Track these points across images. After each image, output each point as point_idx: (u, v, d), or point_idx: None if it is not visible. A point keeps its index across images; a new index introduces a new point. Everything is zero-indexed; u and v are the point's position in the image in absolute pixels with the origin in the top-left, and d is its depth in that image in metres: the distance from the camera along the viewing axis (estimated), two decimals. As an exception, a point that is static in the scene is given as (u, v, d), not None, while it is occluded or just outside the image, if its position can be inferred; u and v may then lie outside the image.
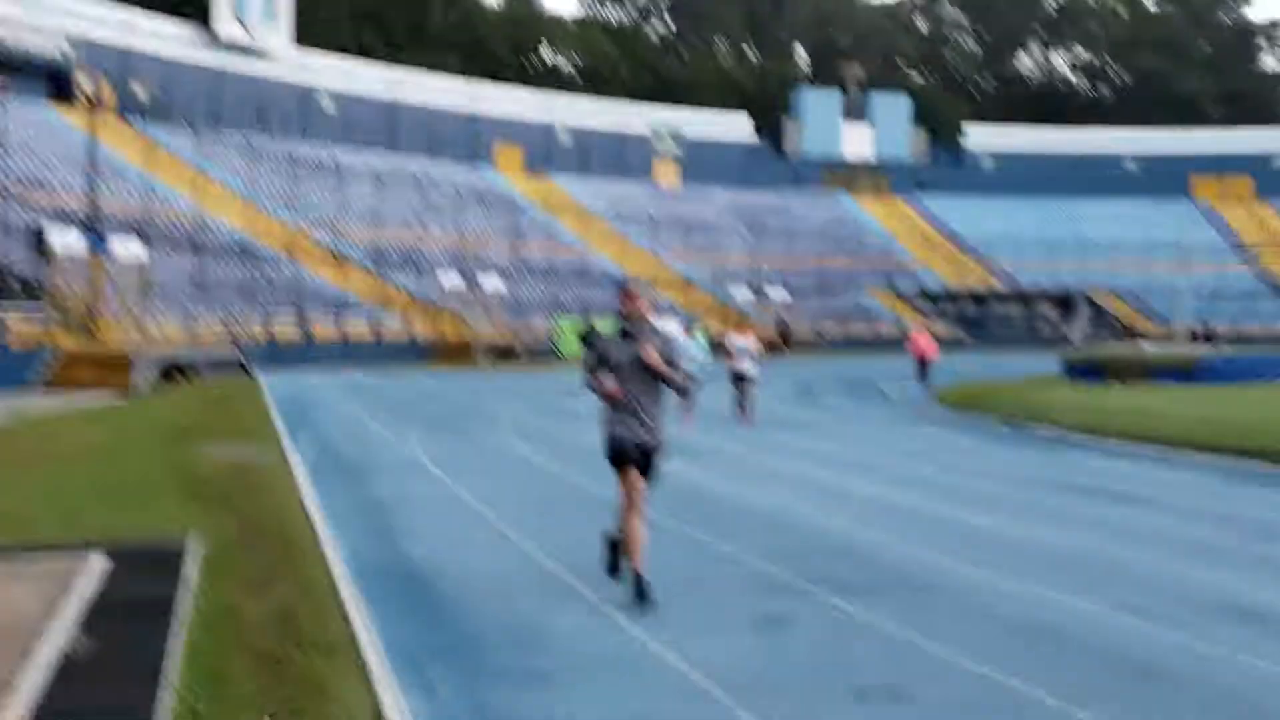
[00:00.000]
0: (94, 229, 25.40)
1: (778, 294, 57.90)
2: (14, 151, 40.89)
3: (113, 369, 22.04)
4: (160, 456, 11.38)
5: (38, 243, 22.38)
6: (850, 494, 10.13)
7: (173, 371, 25.25)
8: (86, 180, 26.61)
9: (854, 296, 65.08)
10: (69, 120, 45.75)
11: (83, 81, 50.42)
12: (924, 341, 26.40)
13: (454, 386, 25.49)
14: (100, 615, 5.54)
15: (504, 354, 41.10)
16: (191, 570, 6.43)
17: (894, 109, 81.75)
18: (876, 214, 77.34)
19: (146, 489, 9.30)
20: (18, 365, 21.34)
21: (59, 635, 5.24)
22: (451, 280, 42.04)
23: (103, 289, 24.96)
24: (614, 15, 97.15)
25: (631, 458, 6.12)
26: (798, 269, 64.72)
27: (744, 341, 16.97)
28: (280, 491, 9.42)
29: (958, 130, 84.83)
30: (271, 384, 24.60)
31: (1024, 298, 69.39)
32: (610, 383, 6.03)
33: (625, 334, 6.12)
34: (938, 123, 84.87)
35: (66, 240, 23.49)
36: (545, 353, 43.03)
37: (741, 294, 56.74)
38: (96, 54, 50.72)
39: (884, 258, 71.22)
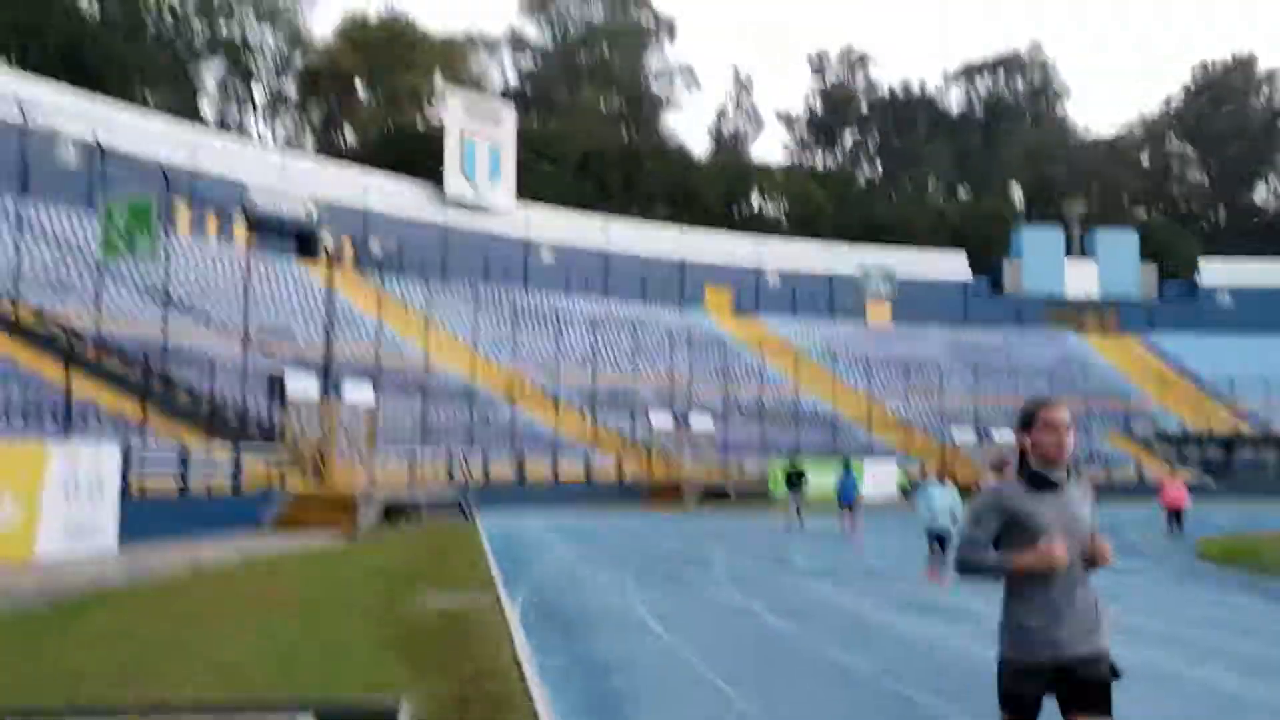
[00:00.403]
0: (328, 375, 26.55)
1: (1003, 435, 54.95)
2: (260, 303, 43.92)
3: (339, 510, 22.55)
4: (376, 606, 11.10)
5: (276, 388, 23.45)
6: (1161, 673, 8.72)
7: (394, 512, 25.70)
8: (324, 329, 28.00)
9: (1086, 440, 61.15)
10: (311, 275, 49.10)
11: (325, 239, 54.40)
12: (1175, 490, 24.43)
13: (666, 529, 24.83)
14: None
15: (714, 495, 40.28)
16: (401, 742, 5.85)
17: (1120, 245, 78.23)
18: (1105, 353, 73.33)
19: (361, 642, 8.93)
20: (251, 506, 22.11)
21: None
22: (661, 421, 41.89)
23: (333, 432, 25.86)
24: (821, 161, 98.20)
25: (1069, 682, 3.86)
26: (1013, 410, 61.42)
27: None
28: (495, 647, 8.85)
29: (1191, 264, 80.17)
30: (487, 525, 24.60)
31: (1276, 441, 63.49)
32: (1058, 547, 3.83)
33: (1042, 482, 3.98)
34: (1168, 257, 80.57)
35: (302, 385, 24.56)
36: (756, 494, 41.95)
37: (965, 435, 54.20)
38: (338, 214, 54.61)
39: (1116, 399, 67.00)
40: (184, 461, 20.21)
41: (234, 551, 17.60)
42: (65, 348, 19.63)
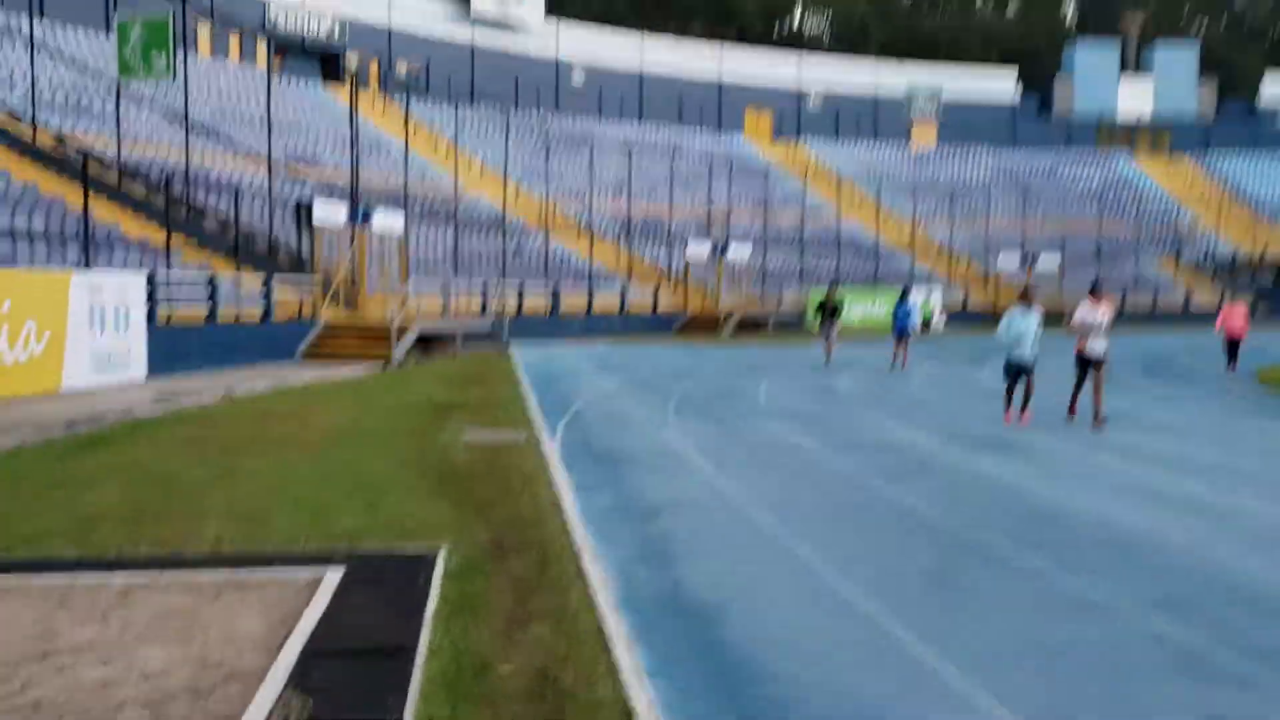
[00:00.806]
0: (356, 201, 25.68)
1: (1050, 262, 53.59)
2: (285, 128, 42.72)
3: (372, 340, 22.09)
4: (410, 442, 10.59)
5: (303, 215, 22.66)
6: (1229, 509, 8.06)
7: (429, 342, 25.26)
8: (351, 154, 27.00)
9: (1135, 266, 59.60)
10: (337, 98, 47.63)
11: (350, 61, 52.65)
12: (1236, 317, 23.31)
13: (703, 360, 24.23)
14: (325, 659, 4.46)
15: (751, 326, 39.67)
16: (434, 598, 5.32)
17: (1179, 61, 74.39)
18: (1158, 176, 70.75)
19: (394, 481, 8.41)
20: (283, 336, 21.68)
21: (276, 684, 4.20)
22: (698, 250, 40.92)
23: (364, 260, 25.19)
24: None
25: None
26: (1071, 236, 59.82)
27: (1095, 313, 12.84)
28: (535, 486, 8.31)
29: (1254, 82, 76.31)
30: (522, 356, 24.14)
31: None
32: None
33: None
34: (1229, 74, 76.71)
35: (330, 212, 23.73)
36: (794, 325, 41.30)
37: (1010, 262, 52.85)
38: (362, 34, 52.64)
39: (1168, 224, 64.95)
40: (212, 289, 19.66)
41: (265, 381, 17.21)
42: (84, 172, 18.81)
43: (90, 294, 15.95)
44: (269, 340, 21.35)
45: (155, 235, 23.76)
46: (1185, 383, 20.64)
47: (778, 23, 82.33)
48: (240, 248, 24.40)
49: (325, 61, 52.47)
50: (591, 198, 44.39)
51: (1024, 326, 12.83)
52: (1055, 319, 20.44)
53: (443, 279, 30.10)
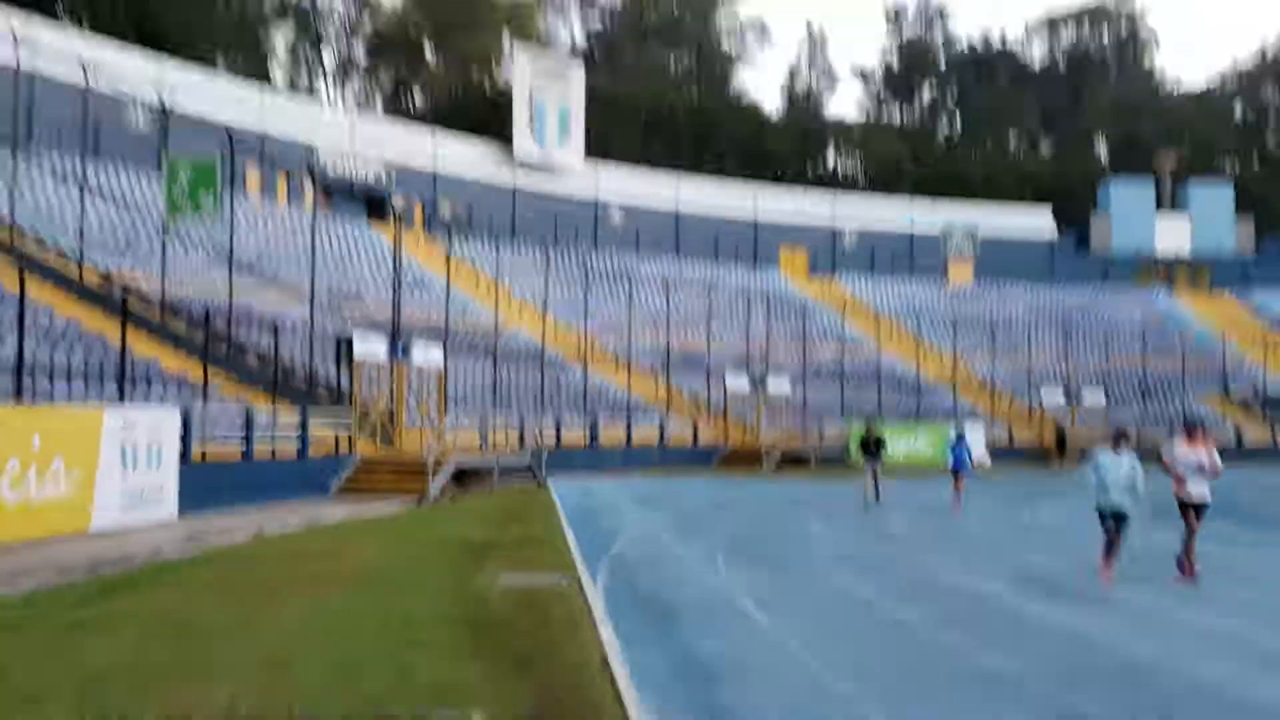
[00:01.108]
0: (396, 336, 25.62)
1: (1094, 398, 52.67)
2: (329, 266, 43.32)
3: (407, 475, 21.65)
4: (445, 585, 10.00)
5: (343, 350, 22.53)
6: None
7: (466, 476, 24.79)
8: (392, 291, 27.09)
9: (1182, 402, 58.47)
10: (381, 237, 48.42)
11: (395, 201, 53.74)
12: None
13: (746, 495, 23.51)
14: None
15: (793, 461, 38.89)
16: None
17: (1214, 199, 74.56)
18: (1199, 311, 70.05)
19: (427, 629, 7.81)
20: (318, 471, 21.29)
21: None
22: (738, 383, 40.50)
23: (402, 394, 24.96)
24: (898, 116, 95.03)
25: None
26: (1114, 371, 58.96)
27: (1195, 455, 11.56)
28: (579, 639, 7.67)
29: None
30: (560, 491, 23.55)
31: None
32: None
33: None
34: (1265, 211, 76.66)
35: (370, 347, 23.62)
36: (836, 460, 40.42)
37: (1054, 398, 51.96)
38: (407, 177, 53.85)
39: (1212, 359, 63.91)
40: (248, 425, 19.37)
41: (298, 519, 16.72)
42: (124, 306, 18.83)
43: (123, 430, 15.67)
44: (304, 476, 20.95)
45: (194, 370, 23.70)
46: (1272, 527, 19.66)
47: (810, 163, 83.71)
48: (279, 383, 24.25)
49: (370, 203, 53.60)
50: (630, 331, 44.35)
51: (1115, 472, 11.33)
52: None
53: (481, 412, 29.80)
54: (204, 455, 18.44)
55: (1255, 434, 55.94)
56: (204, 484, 17.91)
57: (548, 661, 6.94)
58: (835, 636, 8.32)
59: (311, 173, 48.91)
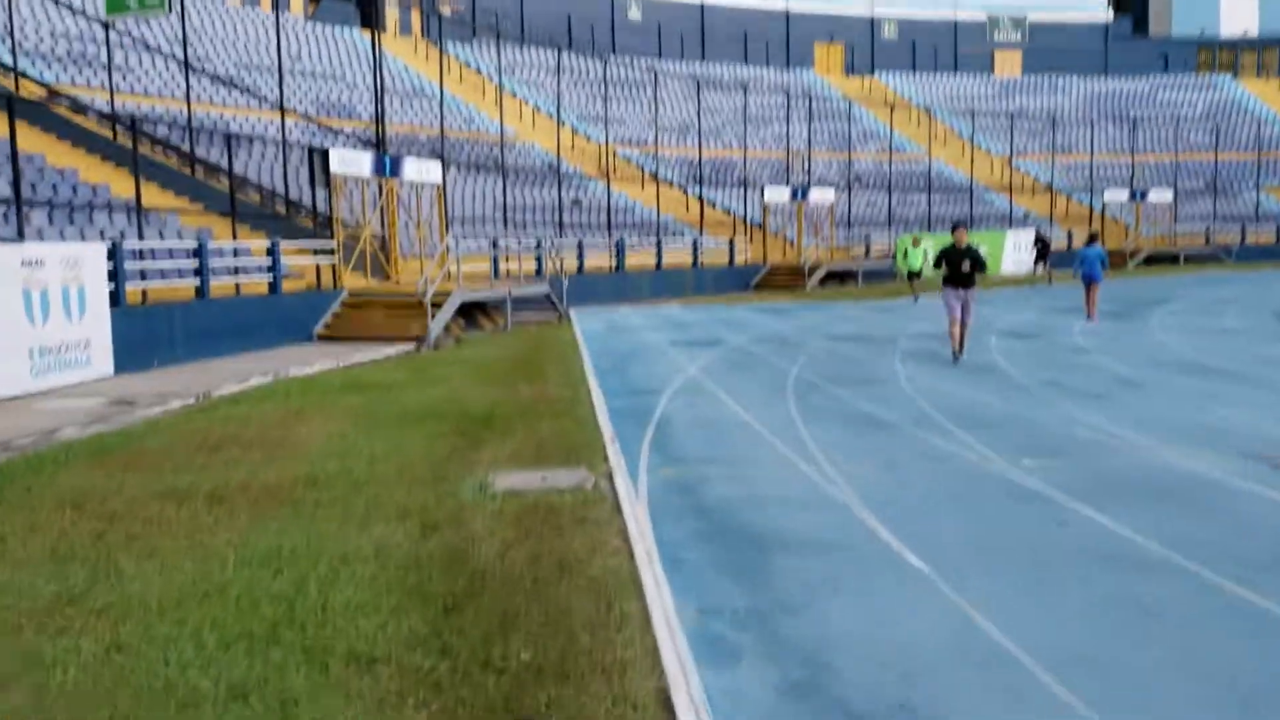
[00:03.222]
0: (381, 146, 21.83)
1: (1160, 196, 48.36)
2: (317, 79, 39.07)
3: (404, 314, 18.35)
4: (418, 491, 6.75)
5: (317, 164, 18.80)
6: None
7: (478, 310, 21.47)
8: (374, 90, 23.11)
9: (1256, 198, 53.95)
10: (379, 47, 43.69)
11: (388, 2, 48.71)
12: None
13: (799, 324, 20.11)
14: None
15: (839, 278, 35.37)
16: None
17: (1289, -29, 67.84)
18: (1271, 99, 64.47)
19: (369, 595, 4.59)
20: (296, 312, 18.00)
21: None
22: (776, 195, 36.58)
23: (394, 216, 21.37)
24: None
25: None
26: (1181, 166, 54.28)
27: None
28: (620, 611, 4.44)
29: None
30: (584, 327, 20.22)
31: None
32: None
33: None
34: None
35: (352, 162, 19.86)
36: (885, 274, 36.86)
37: (1116, 197, 47.70)
38: (403, -26, 48.59)
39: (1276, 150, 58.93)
40: (200, 256, 15.94)
41: (260, 375, 13.51)
42: (10, 107, 15.18)
43: (24, 273, 12.32)
44: (279, 317, 17.67)
45: (149, 196, 20.19)
46: None
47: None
48: (245, 207, 20.72)
49: (364, 7, 48.60)
50: (656, 141, 40.11)
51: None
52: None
53: (491, 237, 26.27)
54: (144, 297, 15.11)
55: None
56: (148, 333, 14.67)
57: (569, 665, 3.68)
58: (1034, 585, 4.99)
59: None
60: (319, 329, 18.31)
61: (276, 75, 35.02)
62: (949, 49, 64.90)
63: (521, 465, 7.63)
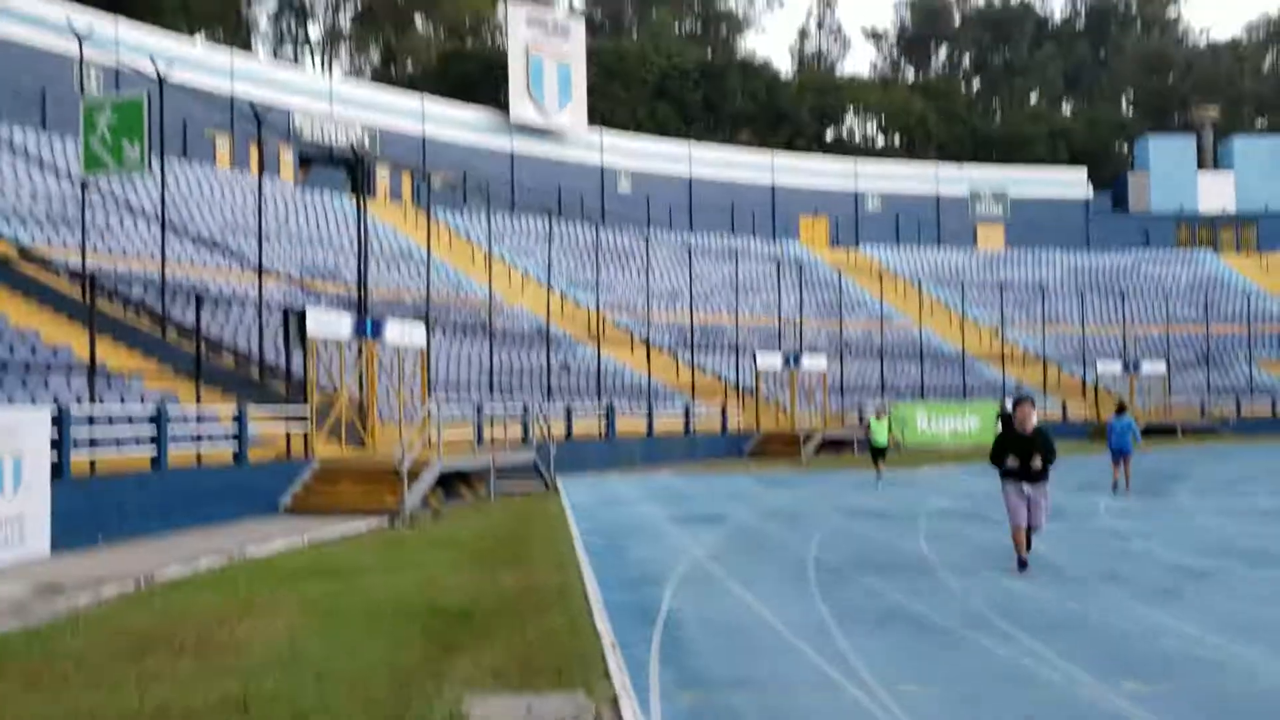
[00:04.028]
0: (364, 309, 20.89)
1: (1154, 368, 47.89)
2: (307, 243, 38.70)
3: (378, 485, 17.02)
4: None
5: (295, 326, 17.74)
6: None
7: (454, 481, 20.10)
8: (357, 251, 22.32)
9: (1249, 370, 53.60)
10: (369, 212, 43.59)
11: (369, 162, 48.96)
12: None
13: (804, 497, 18.82)
14: None
15: (834, 446, 34.19)
16: None
17: (1258, 153, 69.67)
18: (1251, 273, 65.13)
19: None
20: (263, 483, 16.65)
21: None
22: (770, 362, 35.80)
23: (374, 382, 20.25)
24: (914, 79, 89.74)
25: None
26: (1171, 338, 54.11)
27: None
28: None
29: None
30: (574, 498, 18.85)
31: None
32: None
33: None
34: (1312, 165, 71.67)
35: (330, 323, 18.86)
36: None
37: (1109, 369, 47.17)
38: (394, 144, 49.10)
39: (1270, 322, 58.99)
40: (159, 423, 14.67)
41: (214, 554, 12.08)
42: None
43: (-47, 438, 11.04)
44: (243, 489, 16.29)
45: (129, 362, 19.13)
46: None
47: (828, 127, 78.77)
48: (226, 372, 19.61)
49: (354, 173, 48.84)
50: (648, 308, 39.55)
51: None
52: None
53: (475, 402, 25.14)
54: (93, 467, 13.76)
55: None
56: (93, 507, 13.26)
57: None
58: None
59: (291, 140, 44.16)
60: (286, 501, 16.91)
61: (265, 240, 34.56)
62: (932, 223, 65.76)
63: (503, 684, 6.23)
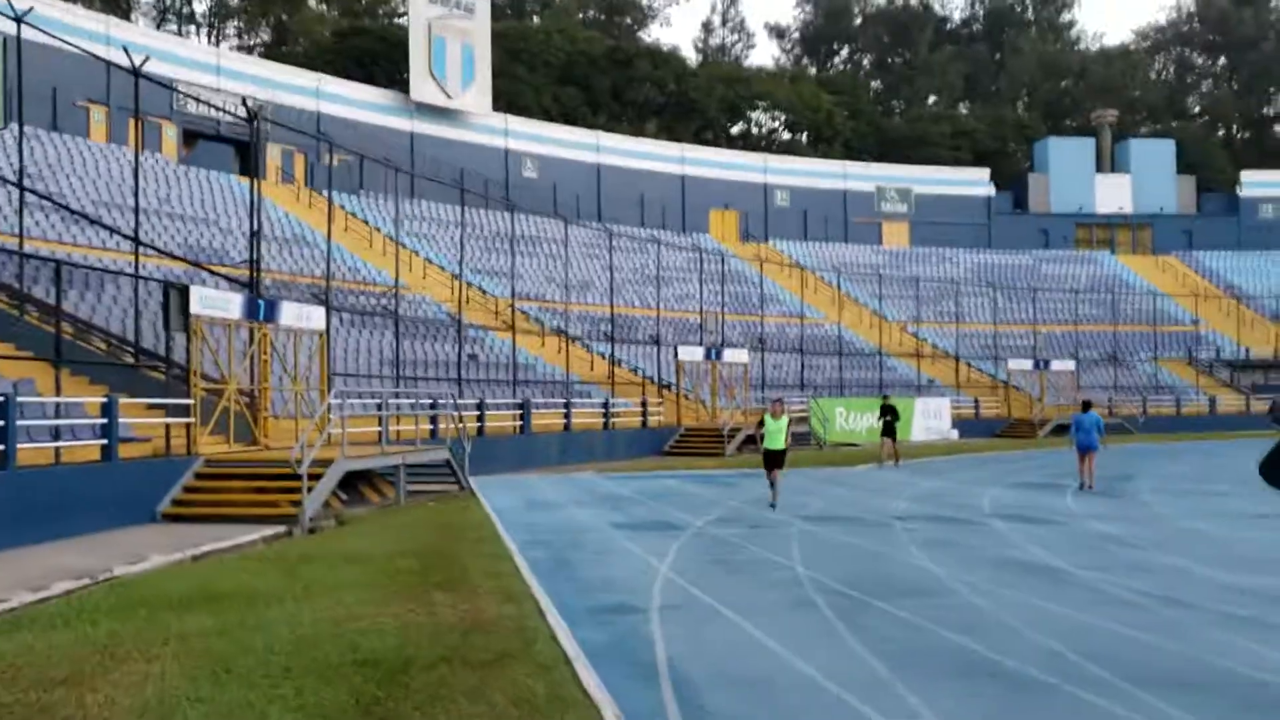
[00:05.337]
0: (255, 286, 18.48)
1: (1064, 366, 47.76)
2: (198, 224, 35.68)
3: (275, 485, 14.76)
4: None
5: (175, 304, 15.29)
6: None
7: (356, 482, 17.89)
8: (252, 236, 19.83)
9: (1154, 368, 54.05)
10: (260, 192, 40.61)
11: (270, 150, 45.93)
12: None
13: (758, 499, 17.11)
14: None
15: (754, 441, 32.68)
16: None
17: (1155, 156, 71.02)
18: (1147, 274, 66.16)
19: None
20: (138, 484, 14.26)
21: None
22: (688, 356, 34.20)
23: (267, 371, 17.89)
24: (815, 74, 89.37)
25: None
26: (1078, 338, 54.29)
27: None
28: None
29: (1233, 176, 72.97)
30: (497, 502, 16.81)
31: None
32: None
33: None
34: (1203, 170, 73.36)
35: (217, 303, 16.47)
36: (802, 439, 34.35)
37: (1019, 366, 46.85)
38: (287, 121, 46.09)
39: (1167, 324, 59.82)
40: (4, 413, 12.21)
41: (69, 579, 9.78)
42: None
43: None
44: (114, 493, 13.86)
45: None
46: None
47: (737, 121, 77.76)
48: (97, 357, 17.03)
49: (243, 153, 45.79)
50: (566, 298, 37.54)
51: None
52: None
53: (379, 394, 22.89)
54: (-80, 470, 11.28)
55: (1231, 402, 51.78)
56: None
57: None
58: None
59: (173, 116, 40.89)
60: (165, 506, 14.51)
61: (144, 217, 31.58)
62: (839, 219, 65.19)
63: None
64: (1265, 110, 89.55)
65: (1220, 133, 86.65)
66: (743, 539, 12.31)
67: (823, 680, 6.08)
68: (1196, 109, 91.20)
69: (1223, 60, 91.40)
